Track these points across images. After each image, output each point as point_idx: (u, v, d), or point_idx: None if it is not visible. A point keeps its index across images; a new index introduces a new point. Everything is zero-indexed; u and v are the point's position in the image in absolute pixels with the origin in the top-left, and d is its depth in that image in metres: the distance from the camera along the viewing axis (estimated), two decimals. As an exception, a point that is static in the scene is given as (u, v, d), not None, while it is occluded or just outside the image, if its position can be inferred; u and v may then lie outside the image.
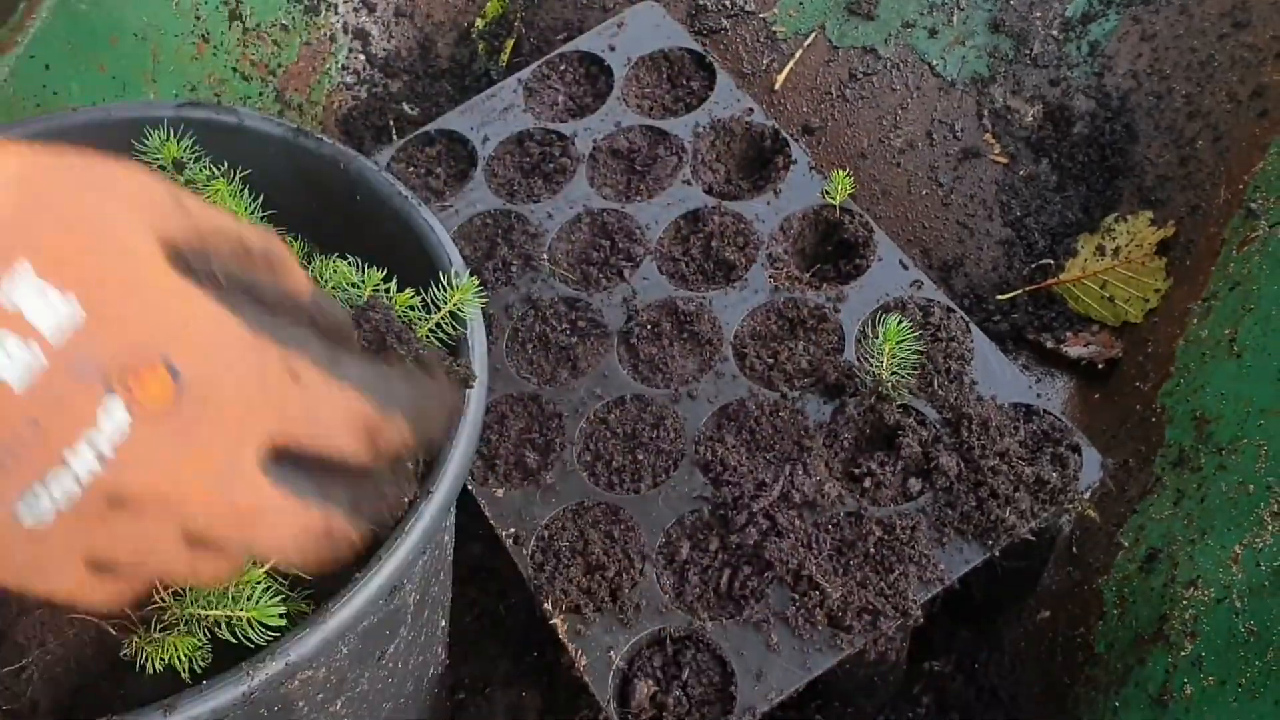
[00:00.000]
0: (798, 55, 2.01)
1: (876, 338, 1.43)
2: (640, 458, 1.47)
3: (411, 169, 1.86)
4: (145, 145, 1.21)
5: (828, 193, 1.65)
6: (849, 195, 1.64)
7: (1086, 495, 1.37)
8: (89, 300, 0.64)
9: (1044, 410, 1.43)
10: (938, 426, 1.43)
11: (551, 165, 1.80)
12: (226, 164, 1.22)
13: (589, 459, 1.49)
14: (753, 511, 1.38)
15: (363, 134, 2.08)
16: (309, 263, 1.21)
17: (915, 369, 1.46)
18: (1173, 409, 1.58)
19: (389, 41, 2.13)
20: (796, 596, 1.32)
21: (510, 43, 2.13)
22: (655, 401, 1.51)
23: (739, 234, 1.66)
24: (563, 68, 1.94)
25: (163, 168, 1.21)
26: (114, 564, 0.70)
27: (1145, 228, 1.82)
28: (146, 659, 0.92)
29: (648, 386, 1.53)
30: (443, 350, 1.13)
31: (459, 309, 1.13)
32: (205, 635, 0.94)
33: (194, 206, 0.78)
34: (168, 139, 1.20)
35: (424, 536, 1.00)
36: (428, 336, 1.13)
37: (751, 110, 1.79)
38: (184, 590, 0.95)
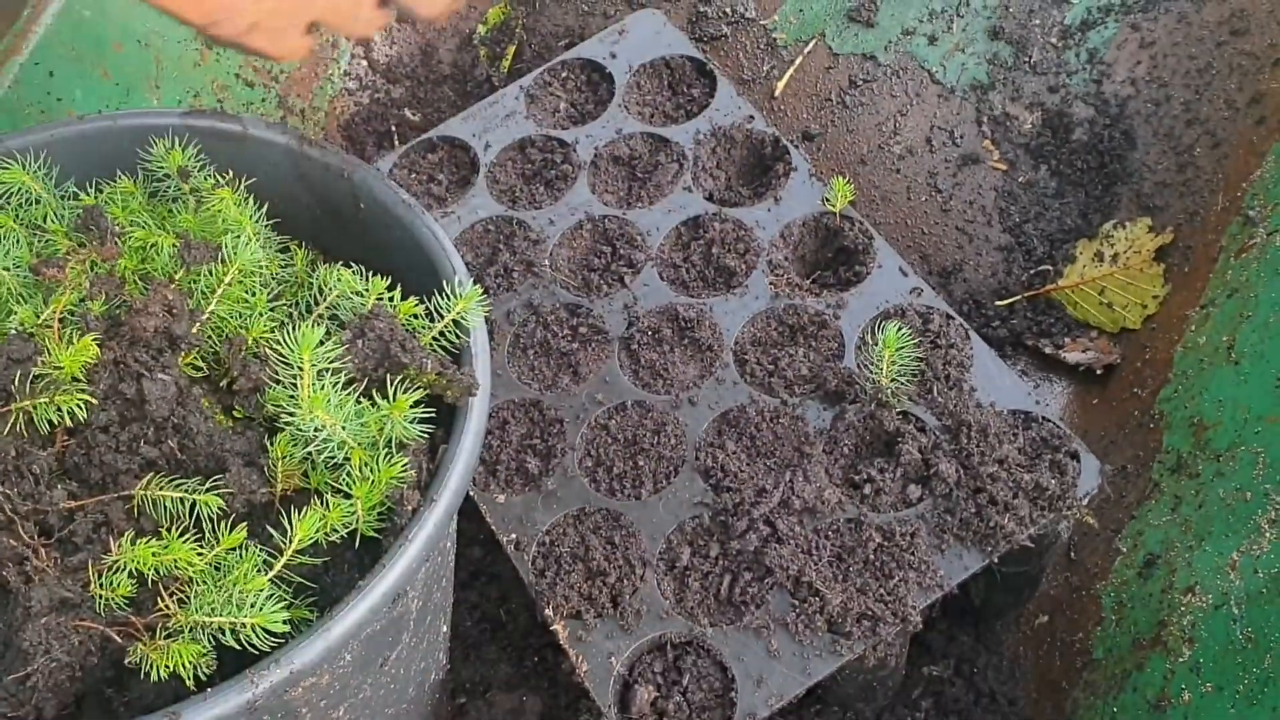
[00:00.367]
0: (798, 62, 2.02)
1: (876, 344, 1.43)
2: (641, 464, 1.47)
3: (414, 175, 1.87)
4: (150, 153, 1.21)
5: (828, 199, 1.66)
6: (849, 202, 1.65)
7: (1085, 502, 1.38)
8: None
9: (1043, 417, 1.44)
10: (937, 433, 1.43)
11: (553, 172, 1.81)
12: (231, 172, 1.23)
13: (590, 465, 1.49)
14: (753, 518, 1.39)
15: (365, 140, 2.08)
16: (313, 270, 1.22)
17: (915, 376, 1.47)
18: (1171, 415, 1.59)
19: (391, 47, 2.13)
20: (797, 602, 1.33)
21: (512, 49, 2.14)
22: (656, 408, 1.52)
23: (739, 240, 1.66)
24: (564, 74, 1.94)
25: (167, 175, 1.22)
26: (323, 24, 0.71)
27: (1143, 234, 1.83)
28: (151, 666, 0.92)
29: (649, 393, 1.54)
30: (446, 358, 1.13)
31: (462, 317, 1.14)
32: (210, 642, 0.94)
33: None
34: (173, 147, 1.21)
35: (427, 544, 1.00)
36: (431, 345, 1.14)
37: (752, 117, 1.79)
38: (189, 597, 0.96)
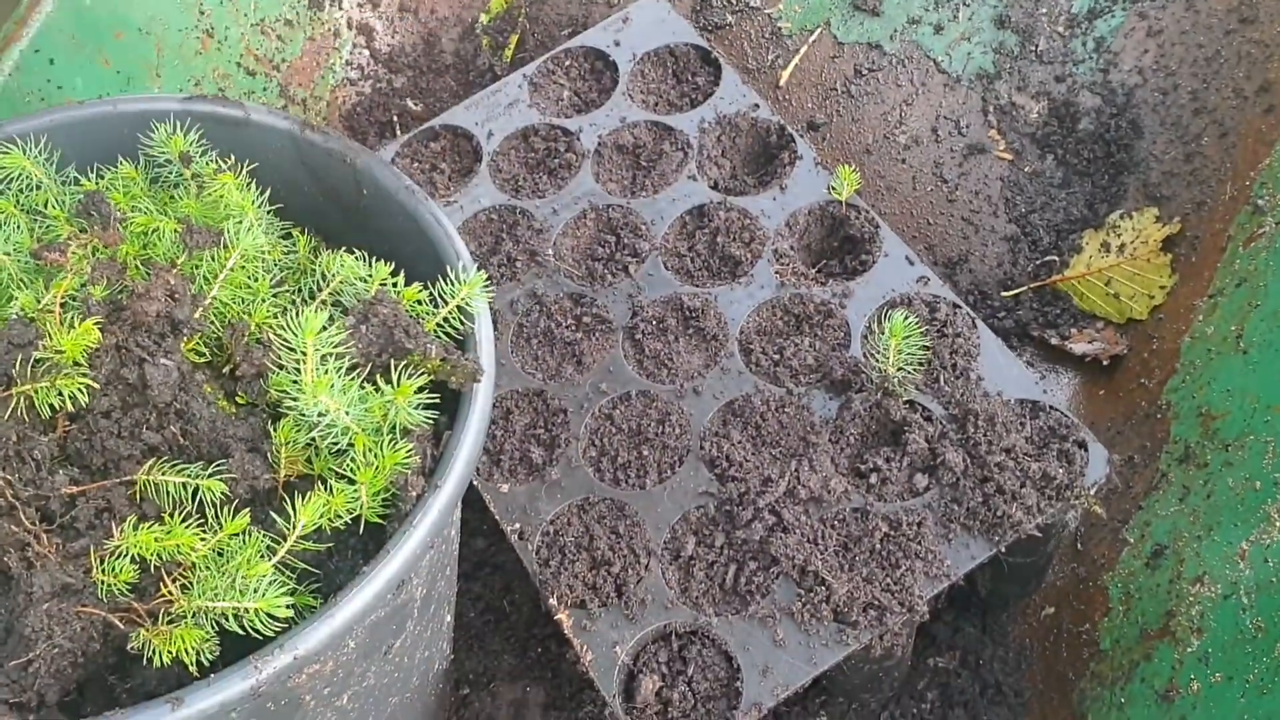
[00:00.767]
0: (803, 51, 2.01)
1: (883, 333, 1.43)
2: (646, 453, 1.46)
3: (416, 164, 1.86)
4: (151, 138, 1.20)
5: (834, 188, 1.65)
6: (855, 190, 1.64)
7: (1093, 491, 1.37)
8: None
9: (1050, 406, 1.43)
10: (944, 422, 1.42)
11: (556, 161, 1.80)
12: (233, 158, 1.22)
13: (594, 454, 1.48)
14: (759, 507, 1.38)
15: (367, 129, 2.07)
16: (316, 256, 1.21)
17: (921, 365, 1.46)
18: (1178, 405, 1.58)
19: (393, 37, 2.12)
20: (802, 592, 1.32)
21: (515, 38, 2.13)
22: (661, 397, 1.51)
23: (744, 229, 1.65)
24: (568, 63, 1.93)
25: (169, 160, 1.21)
26: None
27: (1150, 224, 1.82)
28: (154, 652, 0.91)
29: (653, 382, 1.53)
30: (450, 343, 1.12)
31: (466, 303, 1.13)
32: (213, 628, 0.93)
33: None
34: (174, 132, 1.20)
35: (432, 530, 0.99)
36: (435, 330, 1.13)
37: (757, 106, 1.78)
38: (191, 583, 0.95)
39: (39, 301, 1.06)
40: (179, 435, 1.03)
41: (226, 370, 1.09)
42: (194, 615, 0.93)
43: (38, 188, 1.19)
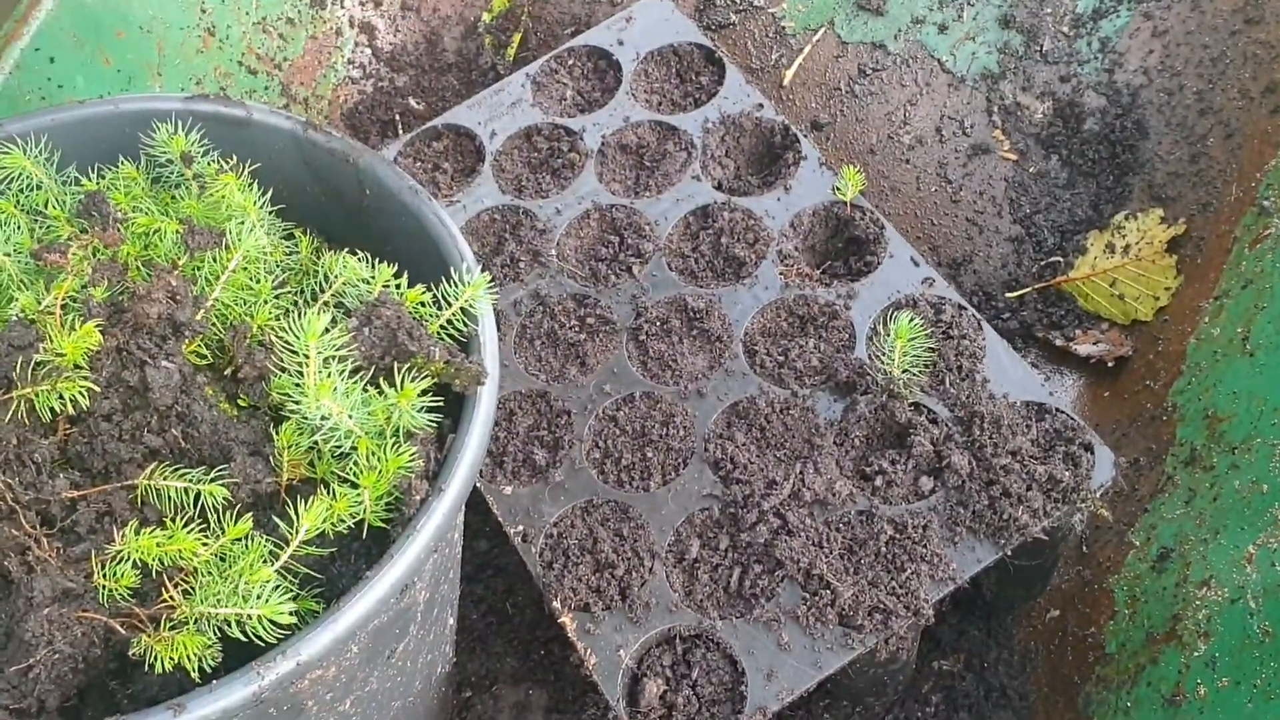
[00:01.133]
0: (807, 50, 2.00)
1: (888, 335, 1.42)
2: (650, 455, 1.46)
3: (418, 164, 1.85)
4: (153, 138, 1.20)
5: (838, 189, 1.64)
6: (859, 191, 1.63)
7: (1099, 494, 1.36)
8: None
9: (1056, 409, 1.42)
10: (950, 425, 1.41)
11: (560, 160, 1.79)
12: (235, 158, 1.21)
13: (598, 456, 1.47)
14: (763, 510, 1.37)
15: (368, 128, 2.07)
16: (318, 258, 1.20)
17: (927, 367, 1.45)
18: (1184, 407, 1.57)
19: (395, 35, 2.11)
20: (807, 595, 1.32)
21: (518, 37, 2.12)
22: (665, 399, 1.50)
23: (749, 230, 1.65)
24: (571, 62, 1.92)
25: (170, 160, 1.20)
26: None
27: (1156, 225, 1.81)
28: (156, 658, 0.90)
29: (657, 384, 1.52)
30: (454, 346, 1.12)
31: (470, 305, 1.12)
32: (215, 634, 0.93)
33: None
34: (175, 132, 1.19)
35: (436, 534, 0.99)
36: (439, 333, 1.12)
37: (761, 105, 1.77)
38: (193, 588, 0.94)
39: (39, 303, 1.05)
40: (180, 438, 1.02)
41: (228, 373, 1.09)
42: (196, 621, 0.93)
43: (38, 188, 1.18)
